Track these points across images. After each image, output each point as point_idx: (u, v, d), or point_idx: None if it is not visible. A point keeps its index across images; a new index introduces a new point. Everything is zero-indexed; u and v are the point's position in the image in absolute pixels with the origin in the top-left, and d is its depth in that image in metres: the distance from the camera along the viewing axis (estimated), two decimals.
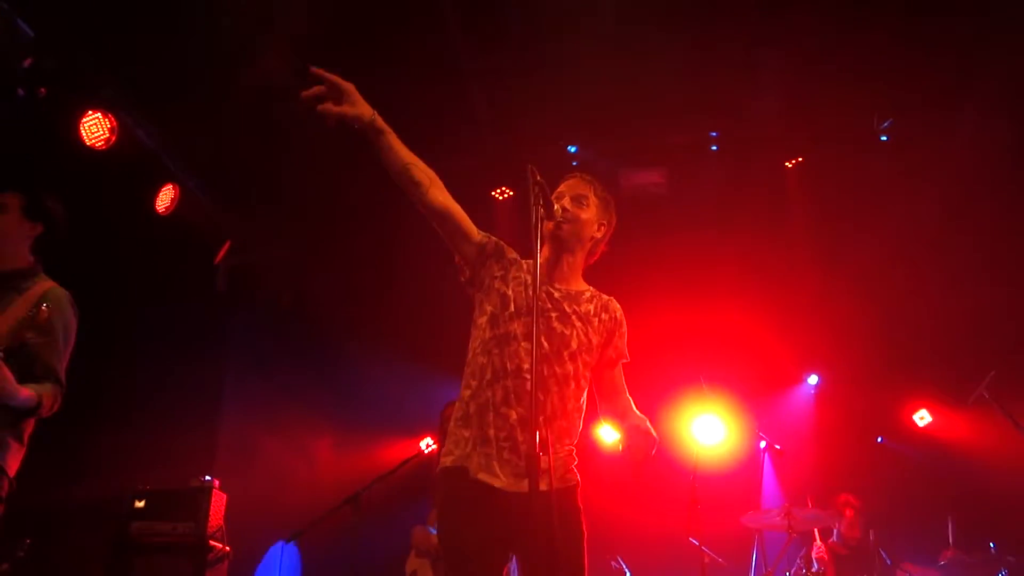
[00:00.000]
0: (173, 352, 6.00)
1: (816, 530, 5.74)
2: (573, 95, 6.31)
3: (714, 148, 6.98)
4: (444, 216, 2.59)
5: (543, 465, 2.28)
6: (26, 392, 2.85)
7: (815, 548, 5.58)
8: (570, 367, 2.59)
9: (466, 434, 2.54)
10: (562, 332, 2.61)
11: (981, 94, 6.06)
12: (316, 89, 2.37)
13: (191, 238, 6.08)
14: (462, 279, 2.75)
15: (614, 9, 5.60)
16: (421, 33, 5.71)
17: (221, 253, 6.36)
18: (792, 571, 5.50)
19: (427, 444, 6.22)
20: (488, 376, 2.55)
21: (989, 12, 5.54)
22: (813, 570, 5.29)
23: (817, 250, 7.14)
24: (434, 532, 4.79)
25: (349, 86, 2.39)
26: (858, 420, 7.26)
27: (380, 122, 2.44)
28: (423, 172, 2.54)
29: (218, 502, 5.11)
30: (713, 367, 6.15)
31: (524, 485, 2.37)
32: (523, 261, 2.72)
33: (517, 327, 2.56)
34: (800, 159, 7.06)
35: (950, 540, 5.77)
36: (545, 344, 2.55)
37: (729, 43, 5.98)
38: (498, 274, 2.67)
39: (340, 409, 7.25)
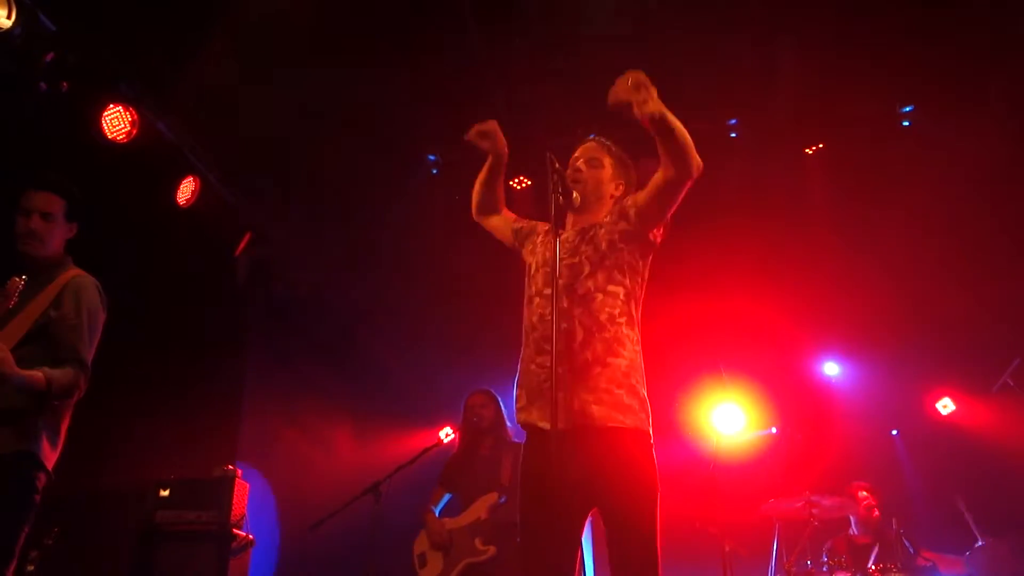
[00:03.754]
0: (194, 343, 6.05)
1: (852, 519, 5.72)
2: (591, 83, 6.26)
3: (733, 136, 6.93)
4: (499, 223, 3.19)
5: (571, 404, 2.51)
6: (28, 373, 2.76)
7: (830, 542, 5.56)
8: (590, 283, 2.70)
9: (521, 391, 2.73)
10: (571, 263, 2.74)
11: (1004, 77, 5.96)
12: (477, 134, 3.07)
13: (212, 230, 6.11)
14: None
15: None
16: (438, 23, 5.70)
17: (242, 245, 6.40)
18: (814, 562, 5.47)
19: (446, 433, 6.23)
20: (524, 338, 2.79)
21: None
22: (844, 561, 5.26)
23: (838, 237, 7.07)
24: (437, 513, 4.86)
25: (494, 126, 3.09)
26: (880, 408, 7.20)
27: (505, 160, 3.09)
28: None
29: (241, 491, 5.17)
30: (733, 355, 6.12)
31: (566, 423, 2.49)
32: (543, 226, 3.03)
33: (536, 284, 2.81)
34: (821, 145, 7.00)
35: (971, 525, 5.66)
36: (561, 281, 2.68)
37: (748, 30, 5.92)
38: (528, 247, 3.00)
39: (360, 399, 7.29)
